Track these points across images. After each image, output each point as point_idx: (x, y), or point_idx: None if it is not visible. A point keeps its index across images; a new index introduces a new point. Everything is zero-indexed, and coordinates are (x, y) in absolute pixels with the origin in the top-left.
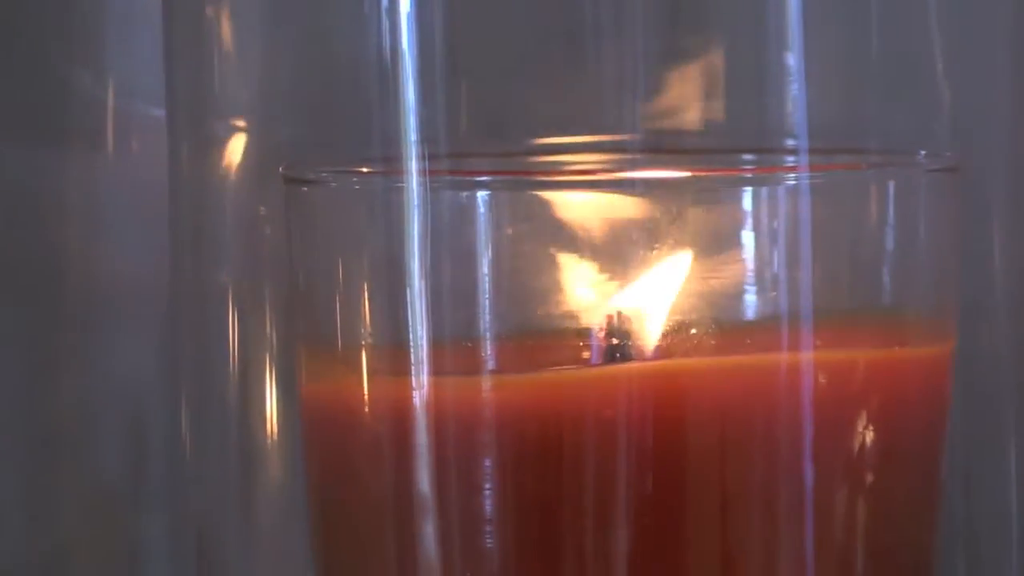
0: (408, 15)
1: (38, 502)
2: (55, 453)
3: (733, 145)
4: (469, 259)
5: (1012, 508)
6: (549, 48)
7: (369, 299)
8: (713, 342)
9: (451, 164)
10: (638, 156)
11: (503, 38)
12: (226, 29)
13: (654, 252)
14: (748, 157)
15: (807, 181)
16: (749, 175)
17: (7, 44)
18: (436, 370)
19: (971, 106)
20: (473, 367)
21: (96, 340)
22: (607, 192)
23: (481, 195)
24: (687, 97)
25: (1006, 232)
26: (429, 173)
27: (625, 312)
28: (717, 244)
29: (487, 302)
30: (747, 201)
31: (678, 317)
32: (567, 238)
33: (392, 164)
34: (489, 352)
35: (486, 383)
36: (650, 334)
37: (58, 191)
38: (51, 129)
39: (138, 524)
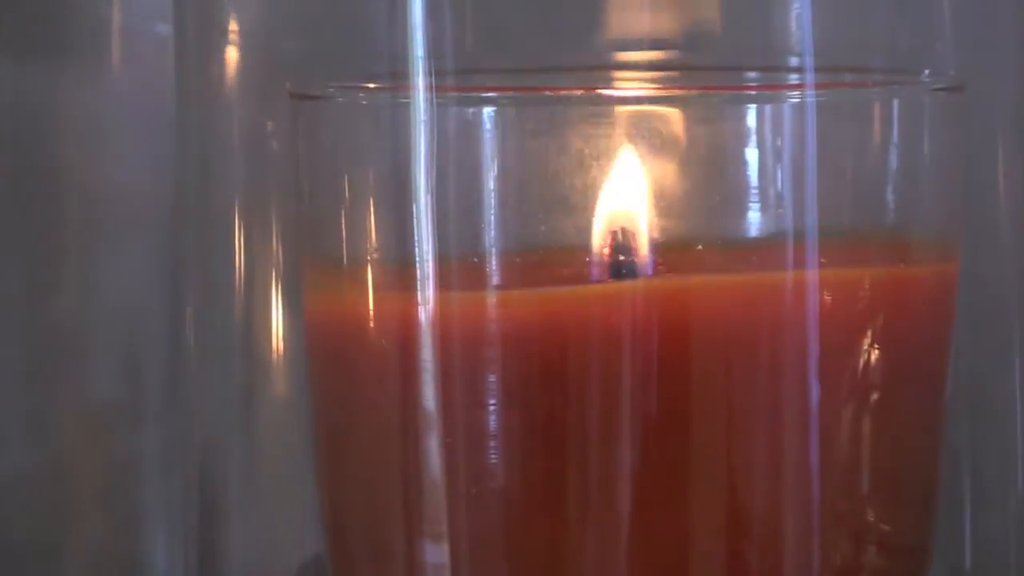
0: None
1: (37, 416)
2: (54, 368)
3: (738, 62)
4: (475, 175)
5: (1017, 427)
6: None
7: (375, 215)
8: (717, 259)
9: (457, 80)
10: (643, 74)
11: None
12: None
13: (659, 169)
14: (752, 75)
15: (811, 99)
16: (753, 92)
17: None
18: (442, 286)
19: (974, 26)
20: (478, 283)
21: (96, 257)
22: (612, 108)
23: (487, 111)
24: (691, 13)
25: (1010, 152)
26: (435, 89)
27: (629, 229)
28: (722, 161)
29: (493, 218)
30: (751, 118)
31: (682, 234)
32: (573, 155)
33: (398, 80)
34: (495, 268)
35: (491, 299)
36: (654, 251)
37: (60, 108)
38: (54, 46)
39: (135, 439)
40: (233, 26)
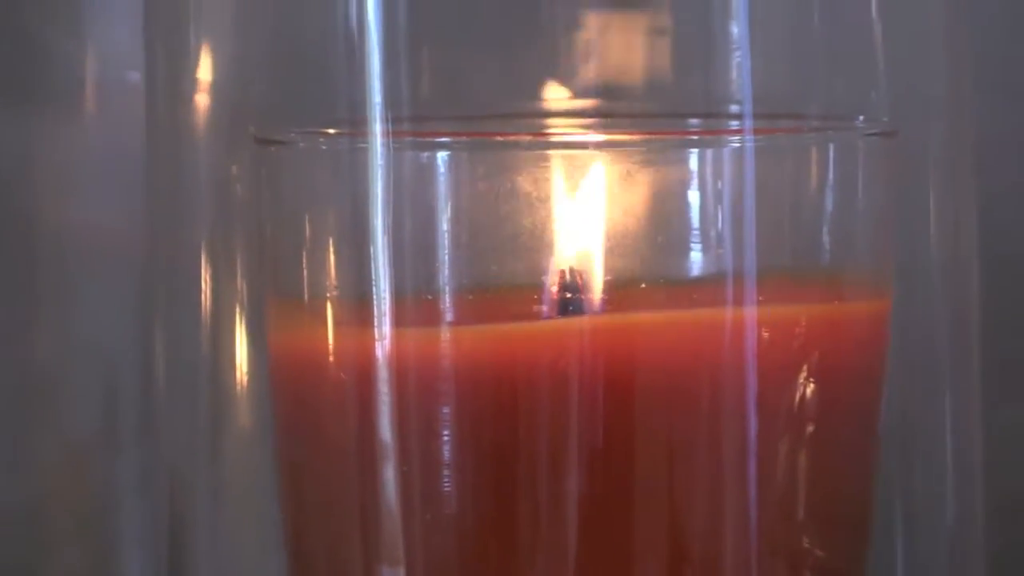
0: None
1: (16, 451)
2: (32, 405)
3: (680, 109)
4: (429, 217)
5: (947, 458)
6: (505, 17)
7: (334, 253)
8: (661, 296)
9: (413, 126)
10: (589, 120)
11: (463, 8)
12: None
13: (605, 211)
14: (695, 121)
15: (751, 144)
16: (695, 138)
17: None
18: (398, 322)
19: (908, 75)
20: (433, 319)
21: (72, 297)
22: (560, 153)
23: (441, 156)
24: (636, 63)
25: (939, 195)
26: (392, 135)
27: (577, 268)
28: (665, 203)
29: (447, 257)
30: (693, 162)
31: (627, 273)
32: (523, 197)
33: (357, 126)
34: (448, 305)
35: (445, 334)
36: (600, 289)
37: (35, 153)
38: (29, 91)
39: (111, 471)
40: (200, 75)
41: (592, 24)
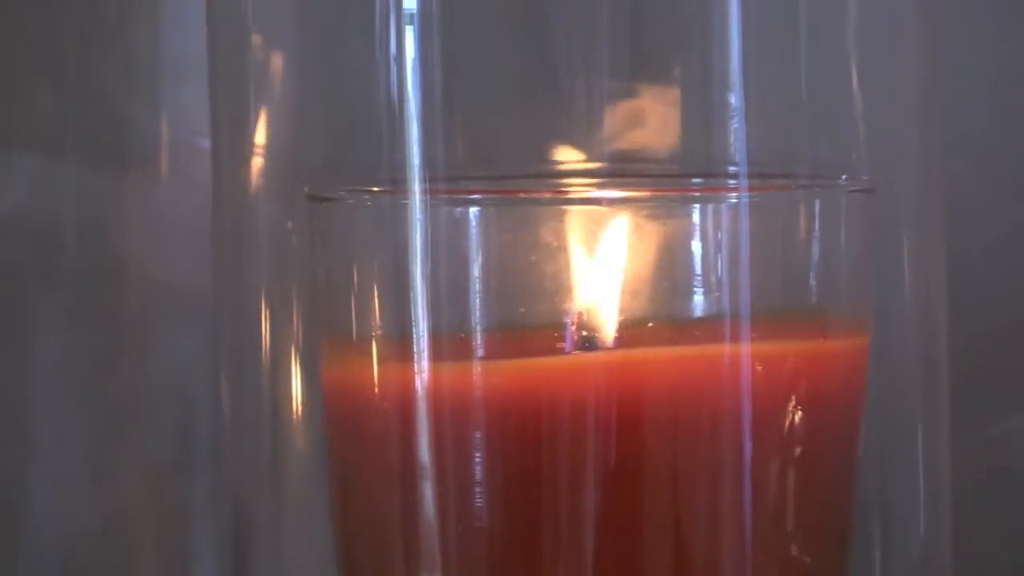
0: (413, 61)
1: (101, 472)
2: (117, 430)
3: (684, 170)
4: (462, 264)
5: (920, 479)
6: (530, 89)
7: (379, 298)
8: (666, 334)
9: (448, 185)
10: (604, 179)
11: (492, 81)
12: (261, 72)
13: (617, 258)
14: (697, 180)
15: (746, 200)
16: (697, 194)
17: (80, 84)
18: (434, 357)
19: (884, 140)
20: (465, 354)
21: (152, 335)
22: (578, 208)
23: (472, 211)
24: (645, 129)
25: (913, 244)
26: (429, 192)
27: (593, 309)
28: (670, 252)
29: (478, 300)
30: (695, 216)
31: (637, 314)
32: (545, 247)
33: (399, 185)
34: (479, 342)
35: (476, 368)
36: (614, 328)
37: (121, 208)
38: (115, 156)
39: (187, 491)
40: (259, 140)
41: (606, 96)
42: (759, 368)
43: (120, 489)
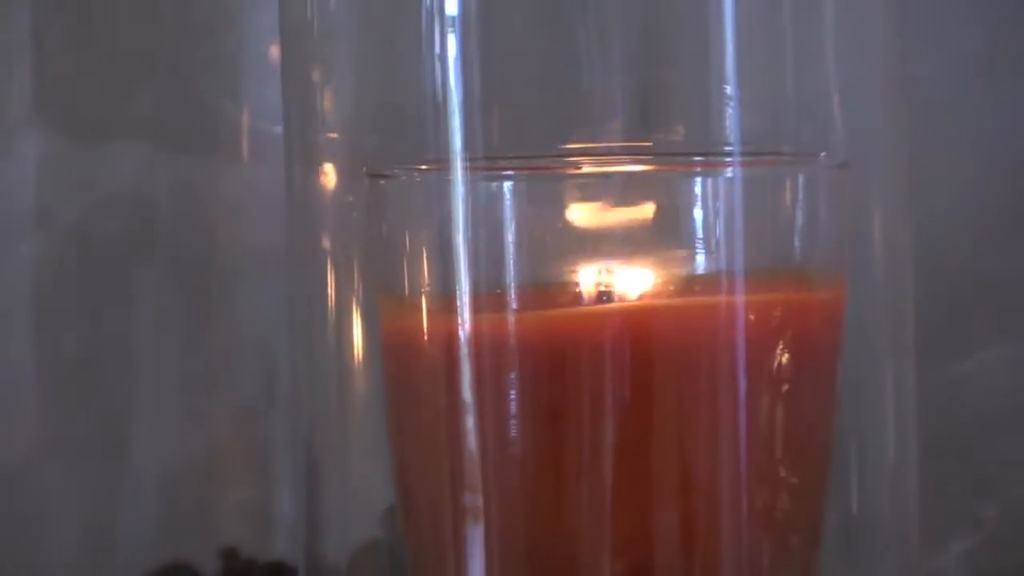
0: (454, 60)
1: (196, 414)
2: (209, 378)
3: (687, 149)
4: (498, 231)
5: (888, 408)
6: (555, 82)
7: (427, 260)
8: (672, 288)
9: (485, 164)
10: (618, 157)
11: (522, 76)
12: (325, 70)
13: (631, 224)
14: (698, 157)
15: (740, 174)
16: (698, 169)
17: (174, 83)
18: (475, 310)
19: (857, 124)
20: (501, 307)
21: (237, 295)
22: (596, 182)
23: (506, 185)
24: (654, 117)
25: (882, 211)
26: (469, 170)
27: (609, 268)
28: (675, 218)
29: (511, 262)
30: (697, 188)
31: (647, 270)
32: (569, 215)
33: (443, 164)
34: (512, 297)
35: (510, 319)
36: (627, 283)
37: (209, 187)
38: (204, 143)
39: (269, 429)
40: (325, 128)
41: (619, 87)
42: (751, 317)
43: (212, 428)
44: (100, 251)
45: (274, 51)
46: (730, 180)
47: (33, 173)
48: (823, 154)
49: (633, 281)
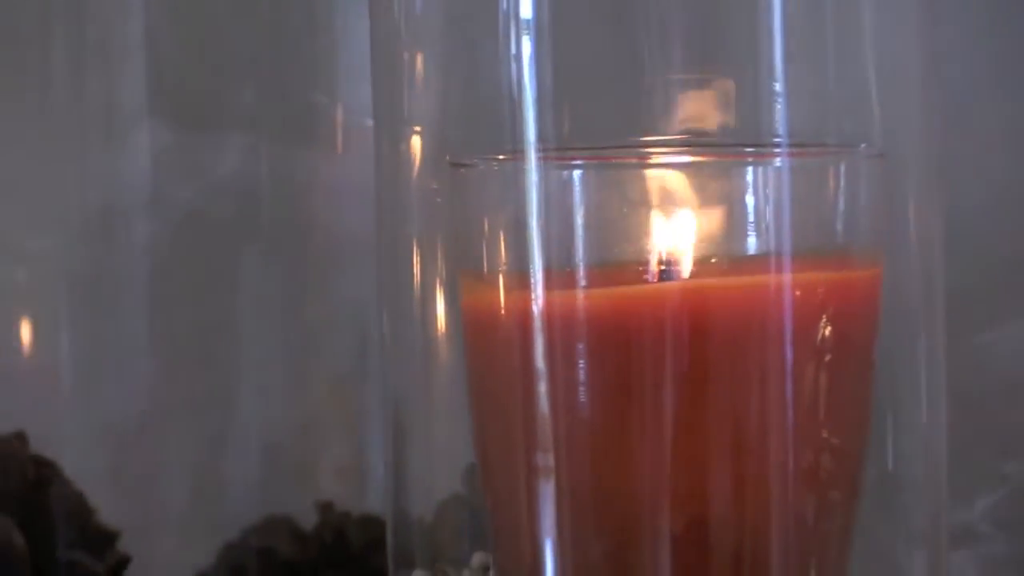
0: (529, 59)
1: (296, 385)
2: (307, 349)
3: (740, 140)
4: (568, 215)
5: (921, 376)
6: (619, 80)
7: (504, 241)
8: (726, 268)
9: (556, 154)
10: (677, 148)
11: (589, 74)
12: (412, 69)
13: (688, 209)
14: (749, 148)
15: (788, 164)
16: (750, 159)
17: (275, 81)
18: (547, 287)
19: (894, 117)
20: (571, 285)
21: (332, 273)
22: (657, 171)
23: (576, 173)
24: (711, 111)
25: (916, 196)
26: (543, 159)
27: (669, 249)
28: (730, 203)
29: (580, 243)
30: (749, 176)
31: (704, 252)
32: (632, 201)
33: (519, 154)
34: (581, 275)
35: (579, 295)
36: (686, 263)
37: (306, 175)
38: (302, 135)
39: (362, 395)
40: (411, 121)
41: (679, 84)
42: (797, 293)
43: (310, 394)
44: (208, 232)
45: (365, 51)
46: (779, 169)
47: (148, 161)
48: (863, 145)
49: (691, 261)
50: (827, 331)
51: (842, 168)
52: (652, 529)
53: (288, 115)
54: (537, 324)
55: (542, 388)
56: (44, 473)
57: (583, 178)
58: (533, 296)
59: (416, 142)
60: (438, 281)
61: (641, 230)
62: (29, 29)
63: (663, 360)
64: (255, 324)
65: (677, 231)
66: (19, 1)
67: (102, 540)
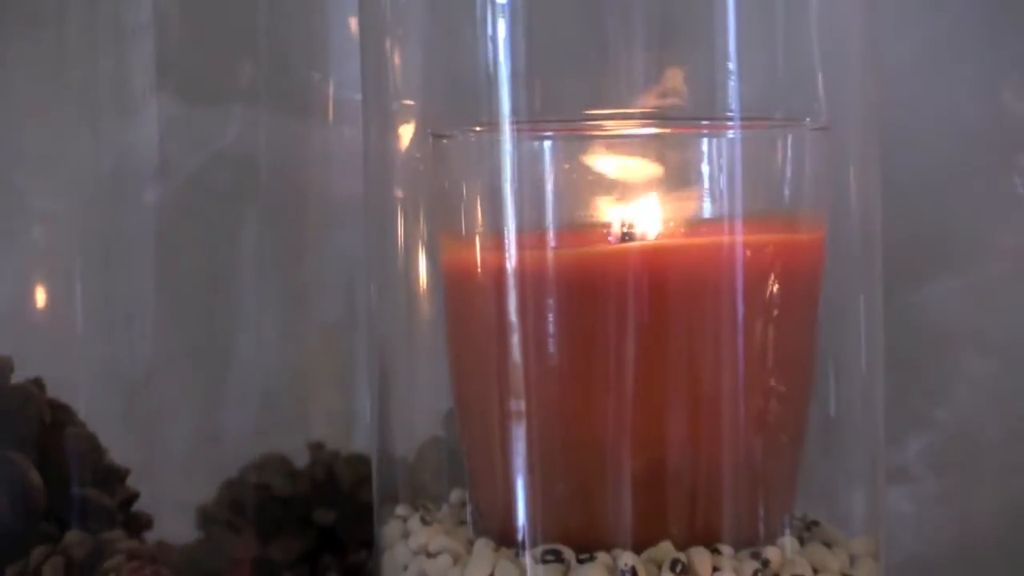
0: (504, 40)
1: (289, 335)
2: (301, 302)
3: (695, 114)
4: (539, 182)
5: (861, 328)
6: (586, 59)
7: (480, 206)
8: (682, 230)
9: (528, 126)
10: (638, 120)
11: (559, 53)
12: (397, 48)
13: (649, 177)
14: (704, 121)
15: (739, 135)
16: (705, 131)
17: (272, 57)
18: (519, 247)
19: (837, 94)
20: (541, 245)
21: (324, 234)
22: (620, 141)
23: (546, 144)
24: (670, 88)
25: (856, 167)
26: (516, 131)
27: (631, 213)
28: (686, 171)
29: (550, 207)
30: (704, 147)
31: (662, 215)
32: (597, 169)
33: (494, 127)
34: (551, 237)
35: (549, 255)
36: (646, 226)
37: (301, 144)
38: (297, 107)
39: (350, 344)
40: (396, 96)
41: (642, 64)
42: (748, 253)
43: (304, 343)
44: (211, 196)
45: (355, 31)
46: (731, 141)
47: (156, 132)
48: (808, 119)
49: (651, 224)
50: (775, 288)
51: (789, 140)
52: (614, 468)
53: (284, 90)
54: (510, 281)
55: (515, 339)
56: (59, 416)
57: (553, 148)
58: (507, 256)
59: (401, 115)
60: (420, 242)
61: (606, 196)
62: (47, 11)
63: (625, 315)
64: (253, 280)
65: (638, 197)
66: None
67: (113, 477)
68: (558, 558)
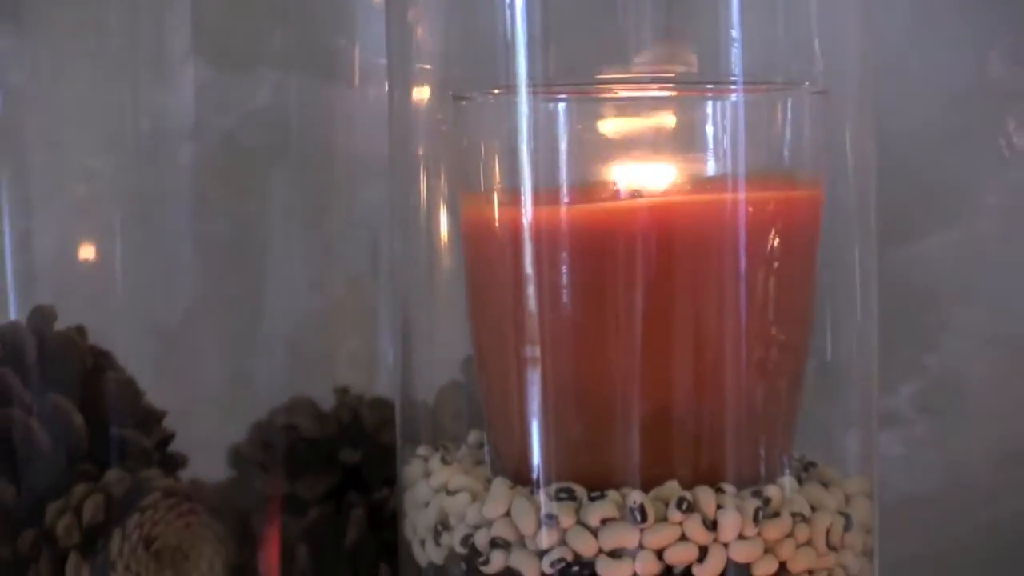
0: (521, 9)
1: (317, 283)
2: (328, 254)
3: (701, 78)
4: (554, 142)
5: (855, 281)
6: (598, 26)
7: (498, 164)
8: (689, 187)
9: (543, 89)
10: (647, 84)
11: (573, 21)
12: (421, 13)
13: (657, 137)
14: (710, 85)
15: (742, 98)
16: (710, 94)
17: (302, 24)
18: (535, 203)
19: (834, 59)
20: (555, 201)
21: (351, 190)
22: (630, 103)
23: (561, 105)
24: (677, 53)
25: (852, 128)
26: (532, 94)
27: (639, 170)
28: (691, 132)
29: (564, 166)
30: (709, 109)
31: (669, 173)
32: (608, 129)
33: (512, 89)
34: (565, 193)
35: (563, 210)
36: (653, 183)
37: (329, 106)
38: (325, 71)
39: (374, 295)
40: (420, 61)
41: (650, 31)
42: (750, 209)
43: (330, 293)
44: (243, 155)
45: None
46: (734, 104)
47: (191, 95)
48: (806, 84)
49: (658, 182)
50: (775, 242)
51: (789, 103)
52: (623, 413)
53: (312, 54)
54: (526, 235)
55: (530, 290)
56: (100, 362)
57: (567, 110)
58: (523, 211)
59: (423, 78)
60: (441, 198)
61: (616, 155)
62: None
63: (634, 267)
64: (282, 233)
65: (646, 156)
66: None
67: (150, 420)
68: (571, 496)
